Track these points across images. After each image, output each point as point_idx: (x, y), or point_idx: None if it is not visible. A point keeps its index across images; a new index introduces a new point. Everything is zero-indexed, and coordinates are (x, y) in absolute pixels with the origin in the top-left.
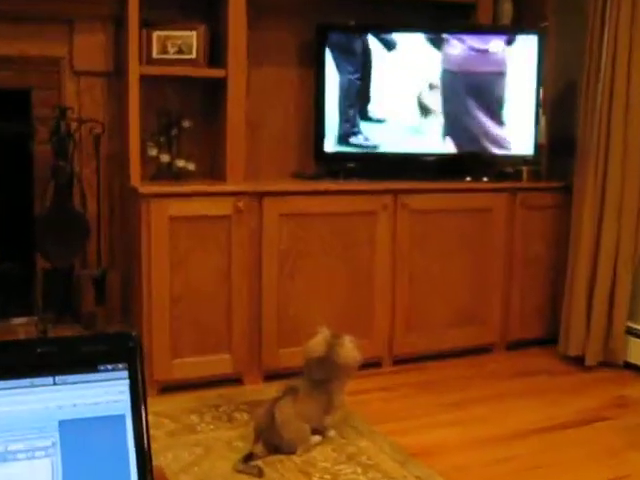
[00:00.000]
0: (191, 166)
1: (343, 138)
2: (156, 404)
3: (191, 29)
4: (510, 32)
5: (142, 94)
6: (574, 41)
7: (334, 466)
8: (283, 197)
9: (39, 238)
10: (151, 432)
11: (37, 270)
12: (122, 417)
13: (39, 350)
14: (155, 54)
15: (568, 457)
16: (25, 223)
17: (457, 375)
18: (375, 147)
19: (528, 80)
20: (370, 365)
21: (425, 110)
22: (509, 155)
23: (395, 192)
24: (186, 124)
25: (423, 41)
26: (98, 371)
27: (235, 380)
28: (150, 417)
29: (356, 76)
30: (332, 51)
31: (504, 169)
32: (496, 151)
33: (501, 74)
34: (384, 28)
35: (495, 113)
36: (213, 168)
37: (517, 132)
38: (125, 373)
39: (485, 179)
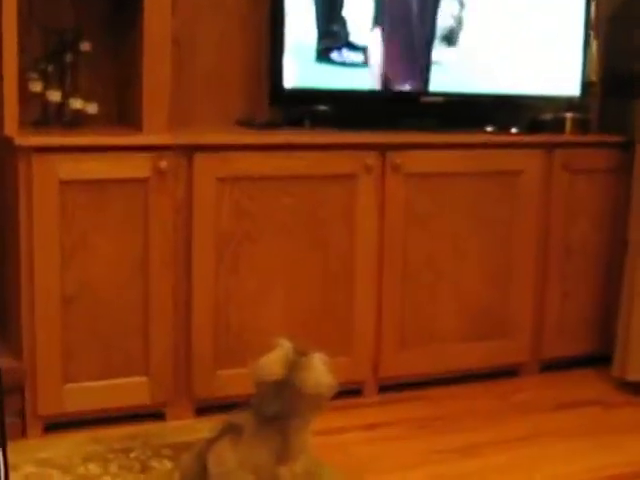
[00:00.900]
0: (92, 108)
1: (322, 59)
2: (40, 448)
3: None
4: None
5: (23, 3)
6: None
7: None
8: (223, 153)
9: None
10: None
11: None
12: None
13: None
14: None
15: None
16: None
17: (469, 408)
18: (357, 83)
19: None
20: (348, 393)
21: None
22: (546, 96)
23: (383, 148)
24: (85, 47)
25: None
26: None
27: (154, 414)
28: (31, 466)
29: None
30: None
31: (539, 116)
32: (528, 91)
33: None
34: None
35: (527, 38)
36: (123, 111)
37: (557, 64)
38: None
39: (513, 130)
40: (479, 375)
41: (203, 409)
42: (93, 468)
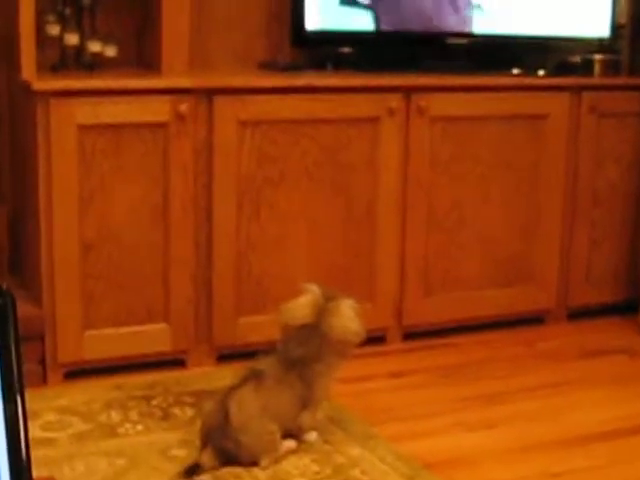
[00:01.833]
0: (110, 51)
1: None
2: (60, 395)
3: None
4: None
5: None
6: None
7: None
8: (244, 96)
9: None
10: (53, 434)
11: None
12: None
13: None
14: None
15: None
16: None
17: (495, 356)
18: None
19: None
20: (371, 340)
21: None
22: (575, 38)
23: (407, 90)
24: None
25: None
26: None
27: (175, 361)
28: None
29: None
30: None
31: (567, 58)
32: (557, 32)
33: None
34: None
35: None
36: (142, 54)
37: (586, 5)
38: None
39: (540, 72)
40: (505, 322)
41: (224, 357)
42: (114, 415)
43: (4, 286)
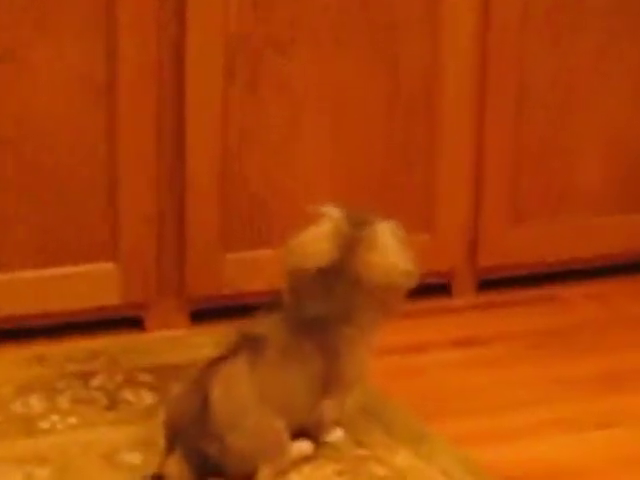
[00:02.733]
0: None
1: None
2: None
3: None
4: None
5: None
6: None
7: None
8: None
9: None
10: None
11: None
12: None
13: None
14: None
15: None
16: None
17: (613, 317)
18: None
19: None
20: (430, 291)
21: None
22: None
23: None
24: None
25: None
26: None
27: (126, 321)
28: None
29: None
30: None
31: None
32: None
33: None
34: None
35: None
36: None
37: None
38: None
39: None
40: (627, 266)
41: (201, 314)
42: (34, 402)
43: None
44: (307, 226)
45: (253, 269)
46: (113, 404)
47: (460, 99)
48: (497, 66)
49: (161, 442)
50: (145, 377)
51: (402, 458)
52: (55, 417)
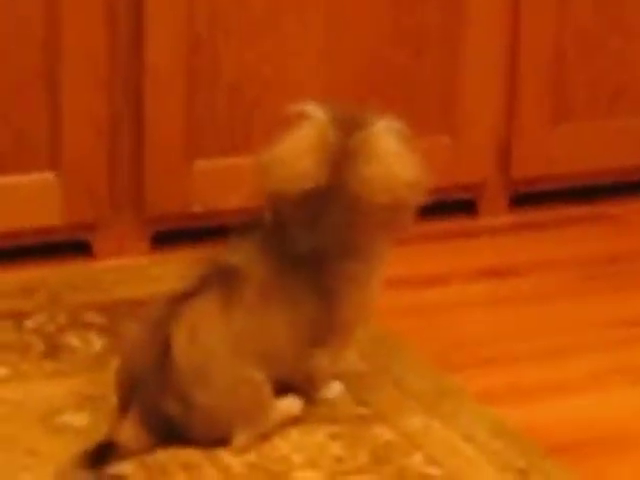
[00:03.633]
0: None
1: None
2: None
3: None
4: None
5: None
6: None
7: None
8: None
9: None
10: None
11: None
12: None
13: None
14: None
15: None
16: None
17: None
18: None
19: None
20: (451, 209)
21: None
22: None
23: None
24: None
25: None
26: None
27: (70, 245)
28: None
29: None
30: None
31: None
32: None
33: None
34: None
35: None
36: None
37: None
38: None
39: None
40: None
41: (165, 237)
42: None
43: None
44: (286, 132)
45: (226, 181)
46: (53, 351)
47: None
48: None
49: (113, 399)
50: (94, 317)
51: (415, 419)
52: None
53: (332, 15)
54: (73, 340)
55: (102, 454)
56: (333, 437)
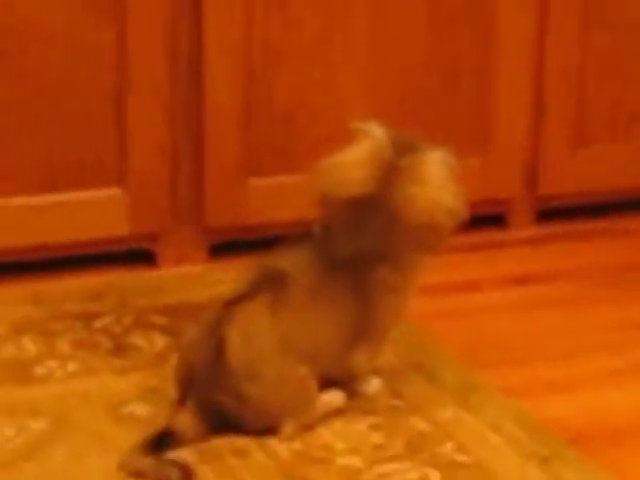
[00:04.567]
0: None
1: None
2: None
3: None
4: None
5: None
6: None
7: (372, 466)
8: None
9: None
10: None
11: None
12: None
13: None
14: None
15: None
16: None
17: None
18: None
19: None
20: (483, 222)
21: None
22: None
23: None
24: None
25: None
26: None
27: (136, 255)
28: None
29: None
30: None
31: None
32: None
33: None
34: None
35: None
36: None
37: None
38: None
39: None
40: None
41: (222, 247)
42: (30, 346)
43: None
44: (344, 147)
45: (280, 197)
46: (119, 349)
47: (517, 11)
48: None
49: (172, 392)
50: (157, 319)
51: (446, 411)
52: (52, 363)
53: (374, 46)
54: (137, 339)
55: (162, 441)
56: (372, 427)
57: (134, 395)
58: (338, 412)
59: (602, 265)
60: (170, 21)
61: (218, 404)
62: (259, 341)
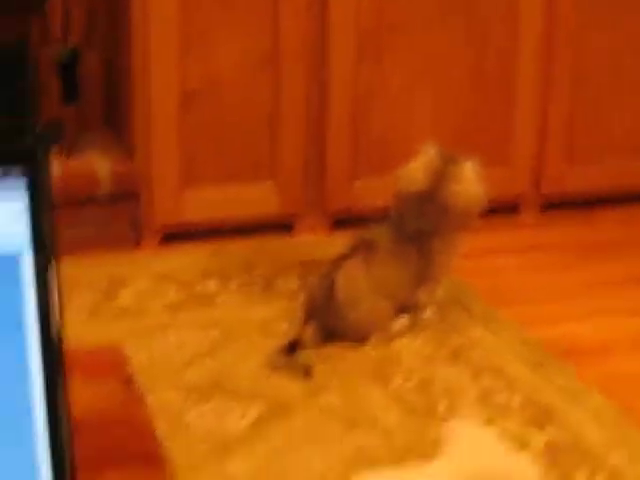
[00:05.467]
0: None
1: None
2: (155, 261)
3: None
4: None
5: None
6: None
7: (427, 366)
8: None
9: None
10: (146, 302)
11: None
12: (13, 259)
13: None
14: None
15: None
16: None
17: (633, 236)
18: None
19: None
20: (503, 210)
21: None
22: None
23: None
24: None
25: None
26: None
27: (281, 226)
28: (144, 281)
29: None
30: None
31: None
32: None
33: None
34: None
35: None
36: None
37: None
38: (21, 183)
39: None
40: None
41: (337, 223)
42: (211, 285)
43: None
44: (411, 160)
45: (375, 191)
46: (268, 287)
47: (530, 69)
48: (559, 42)
49: (301, 316)
50: (293, 269)
51: (476, 332)
52: (225, 295)
53: (437, 94)
54: (280, 282)
55: (293, 346)
56: (427, 340)
57: (276, 317)
58: (405, 331)
59: (579, 241)
60: (307, 70)
61: (330, 324)
62: (356, 283)
